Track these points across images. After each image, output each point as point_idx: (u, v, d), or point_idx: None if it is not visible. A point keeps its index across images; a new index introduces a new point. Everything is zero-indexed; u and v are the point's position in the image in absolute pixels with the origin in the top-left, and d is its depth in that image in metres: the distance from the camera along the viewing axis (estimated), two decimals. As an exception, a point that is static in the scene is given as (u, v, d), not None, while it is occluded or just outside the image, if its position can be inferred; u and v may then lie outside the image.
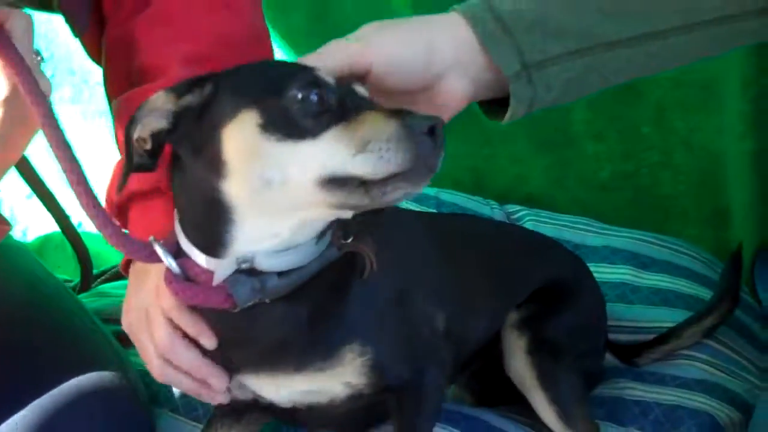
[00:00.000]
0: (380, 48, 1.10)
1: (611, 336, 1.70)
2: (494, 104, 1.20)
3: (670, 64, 1.25)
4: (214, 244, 1.07)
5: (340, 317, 1.14)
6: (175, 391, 1.52)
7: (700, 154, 2.10)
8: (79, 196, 1.10)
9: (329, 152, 0.96)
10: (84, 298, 1.83)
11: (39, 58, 1.24)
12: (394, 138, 0.92)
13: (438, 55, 1.12)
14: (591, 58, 1.14)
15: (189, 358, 1.17)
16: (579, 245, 2.00)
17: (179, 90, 1.03)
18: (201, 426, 1.39)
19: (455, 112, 1.17)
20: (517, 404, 1.47)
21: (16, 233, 2.29)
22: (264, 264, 1.06)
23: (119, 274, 1.96)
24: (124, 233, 1.13)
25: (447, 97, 1.14)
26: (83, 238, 2.16)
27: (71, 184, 1.11)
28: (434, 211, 2.10)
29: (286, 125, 0.97)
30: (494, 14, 1.12)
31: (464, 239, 1.50)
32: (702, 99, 2.03)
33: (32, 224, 2.60)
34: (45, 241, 2.47)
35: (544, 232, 2.02)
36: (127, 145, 1.03)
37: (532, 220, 2.10)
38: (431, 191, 2.18)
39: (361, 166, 0.94)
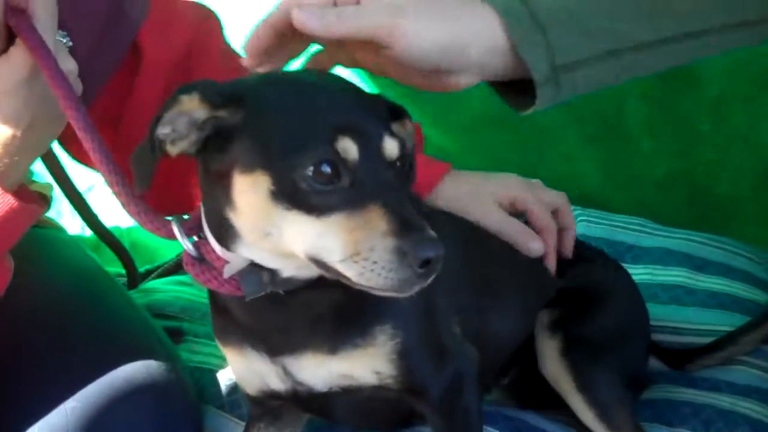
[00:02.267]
0: (408, 34, 1.08)
1: (662, 338, 1.66)
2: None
3: (704, 56, 1.20)
4: (226, 245, 1.08)
5: (371, 302, 1.12)
6: (222, 388, 1.54)
7: (760, 151, 2.03)
8: (104, 174, 1.13)
9: (321, 244, 0.97)
10: (134, 293, 1.85)
11: (65, 40, 1.28)
12: (384, 261, 0.93)
13: (464, 59, 1.10)
14: (623, 60, 1.10)
15: None
16: (633, 246, 1.95)
17: (214, 101, 1.02)
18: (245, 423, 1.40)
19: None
20: (562, 407, 1.44)
21: (76, 227, 2.33)
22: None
23: (170, 270, 1.99)
24: (149, 210, 1.14)
25: (450, 86, 1.14)
26: (132, 231, 2.20)
27: (96, 163, 1.13)
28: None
29: (295, 196, 0.97)
30: (530, 9, 1.09)
31: (485, 237, 1.48)
32: (762, 92, 1.96)
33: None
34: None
35: (597, 234, 2.00)
36: (151, 139, 1.02)
37: (584, 220, 2.05)
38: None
39: (345, 270, 0.96)
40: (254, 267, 1.09)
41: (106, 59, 1.45)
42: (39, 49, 1.15)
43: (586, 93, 1.14)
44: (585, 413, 1.36)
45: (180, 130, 1.03)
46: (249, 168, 1.00)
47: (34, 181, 1.81)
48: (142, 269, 2.08)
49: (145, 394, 1.37)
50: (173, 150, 1.04)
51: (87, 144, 1.14)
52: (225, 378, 1.54)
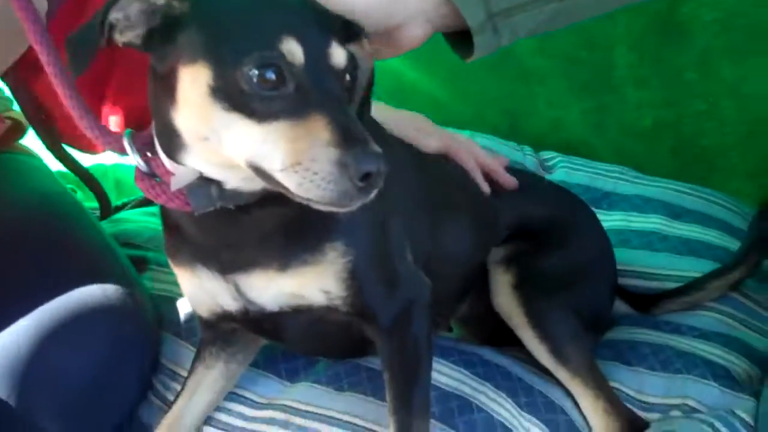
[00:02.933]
0: None
1: (632, 282, 1.65)
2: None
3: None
4: (173, 156, 1.07)
5: (324, 219, 1.11)
6: (181, 315, 1.54)
7: (747, 104, 1.98)
8: (58, 87, 1.11)
9: (262, 152, 0.95)
10: (105, 223, 1.84)
11: None
12: (324, 172, 0.91)
13: (400, 5, 1.08)
14: (560, 3, 1.08)
15: None
16: (610, 193, 1.94)
17: None
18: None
19: (412, 49, 1.15)
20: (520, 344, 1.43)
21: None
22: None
23: (143, 201, 1.99)
24: (101, 126, 1.13)
25: (405, 41, 1.12)
26: (117, 169, 2.20)
27: (51, 76, 1.11)
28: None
29: (235, 97, 0.95)
30: None
31: (443, 165, 1.48)
32: (750, 45, 1.91)
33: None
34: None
35: (576, 180, 1.98)
36: (101, 23, 0.99)
37: (566, 166, 2.04)
38: (465, 134, 2.12)
39: (284, 180, 0.94)
40: (202, 180, 1.07)
41: None
42: None
43: (529, 37, 1.13)
44: (537, 348, 1.36)
45: (132, 17, 1.01)
46: (191, 60, 0.98)
47: (10, 109, 1.80)
48: (118, 202, 2.08)
49: (99, 315, 1.36)
50: (120, 39, 1.02)
51: (43, 58, 1.13)
52: (184, 306, 1.54)
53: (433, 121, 2.28)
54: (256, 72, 0.94)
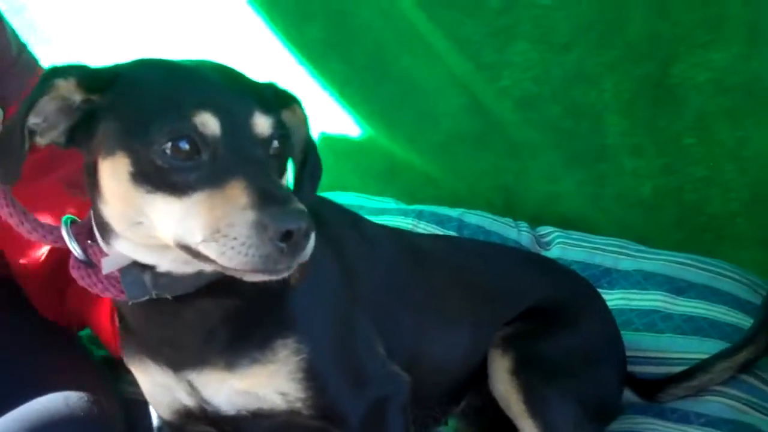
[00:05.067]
0: None
1: (635, 368, 1.54)
2: None
3: None
4: (106, 240, 1.02)
5: (274, 312, 1.06)
6: (154, 422, 1.46)
7: (750, 166, 1.89)
8: None
9: (184, 226, 0.91)
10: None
11: None
12: (242, 237, 0.87)
13: None
14: None
15: None
16: (610, 269, 1.84)
17: (91, 84, 0.96)
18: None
19: None
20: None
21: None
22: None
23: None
24: (33, 218, 1.08)
25: None
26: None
27: None
28: (454, 234, 1.97)
29: (154, 177, 0.92)
30: None
31: (438, 257, 1.39)
32: (748, 103, 1.83)
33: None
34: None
35: (574, 256, 1.89)
36: (21, 131, 0.95)
37: (562, 242, 1.94)
38: (455, 212, 2.05)
39: (206, 251, 0.90)
40: (135, 267, 1.02)
41: None
42: None
43: None
44: None
45: (51, 118, 0.97)
46: (110, 151, 0.95)
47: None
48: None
49: (61, 427, 1.28)
50: (43, 141, 0.98)
51: None
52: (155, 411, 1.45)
53: (426, 198, 2.23)
54: (169, 144, 0.91)
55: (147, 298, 1.03)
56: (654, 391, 1.48)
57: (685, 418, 1.41)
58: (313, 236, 0.89)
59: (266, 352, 1.06)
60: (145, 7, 2.27)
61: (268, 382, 1.07)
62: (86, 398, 1.34)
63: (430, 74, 2.08)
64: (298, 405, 1.08)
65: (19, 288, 1.52)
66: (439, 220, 2.00)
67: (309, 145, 1.08)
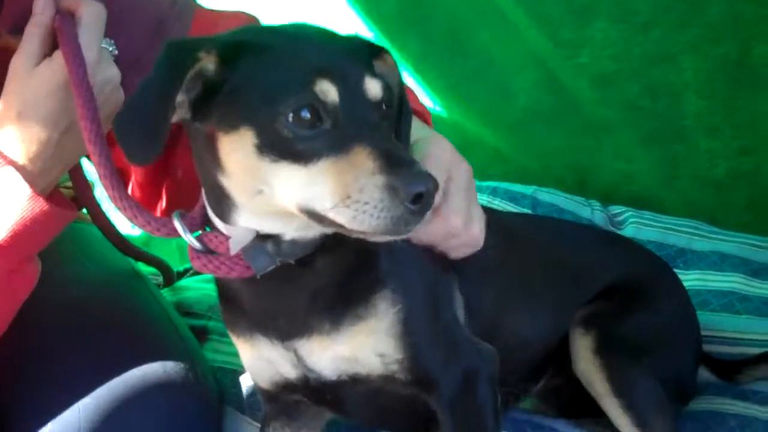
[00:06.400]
0: None
1: (712, 348, 1.56)
2: None
3: None
4: (226, 219, 1.06)
5: (371, 269, 1.10)
6: (243, 389, 1.51)
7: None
8: (102, 181, 1.11)
9: (311, 193, 0.94)
10: (166, 292, 1.83)
11: (111, 48, 1.26)
12: (374, 200, 0.90)
13: None
14: None
15: None
16: (684, 250, 1.85)
17: (225, 55, 0.98)
18: (260, 426, 1.36)
19: None
20: (601, 414, 1.33)
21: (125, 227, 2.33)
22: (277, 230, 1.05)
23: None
24: (146, 211, 1.12)
25: None
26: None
27: (98, 171, 1.11)
28: (529, 211, 1.99)
29: (280, 146, 0.95)
30: None
31: (523, 233, 1.41)
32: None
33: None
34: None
35: (648, 236, 1.90)
36: (167, 104, 0.97)
37: (635, 222, 1.96)
38: (528, 189, 2.07)
39: (337, 217, 0.93)
40: (258, 240, 1.06)
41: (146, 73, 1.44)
42: (72, 55, 1.15)
43: None
44: (619, 418, 1.27)
45: (189, 93, 0.99)
46: (233, 126, 0.97)
47: (67, 188, 1.80)
48: (180, 268, 2.07)
49: (159, 392, 1.35)
50: (174, 118, 1.00)
51: (91, 148, 1.13)
52: (246, 379, 1.50)
53: (497, 174, 2.24)
54: (292, 114, 0.94)
55: (272, 267, 1.06)
56: (732, 372, 1.50)
57: (766, 400, 1.42)
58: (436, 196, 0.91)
59: (367, 307, 1.10)
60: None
61: (368, 341, 1.11)
62: (182, 366, 1.40)
63: (507, 50, 2.10)
64: (394, 367, 1.12)
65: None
66: (513, 197, 2.03)
67: (402, 93, 1.11)
